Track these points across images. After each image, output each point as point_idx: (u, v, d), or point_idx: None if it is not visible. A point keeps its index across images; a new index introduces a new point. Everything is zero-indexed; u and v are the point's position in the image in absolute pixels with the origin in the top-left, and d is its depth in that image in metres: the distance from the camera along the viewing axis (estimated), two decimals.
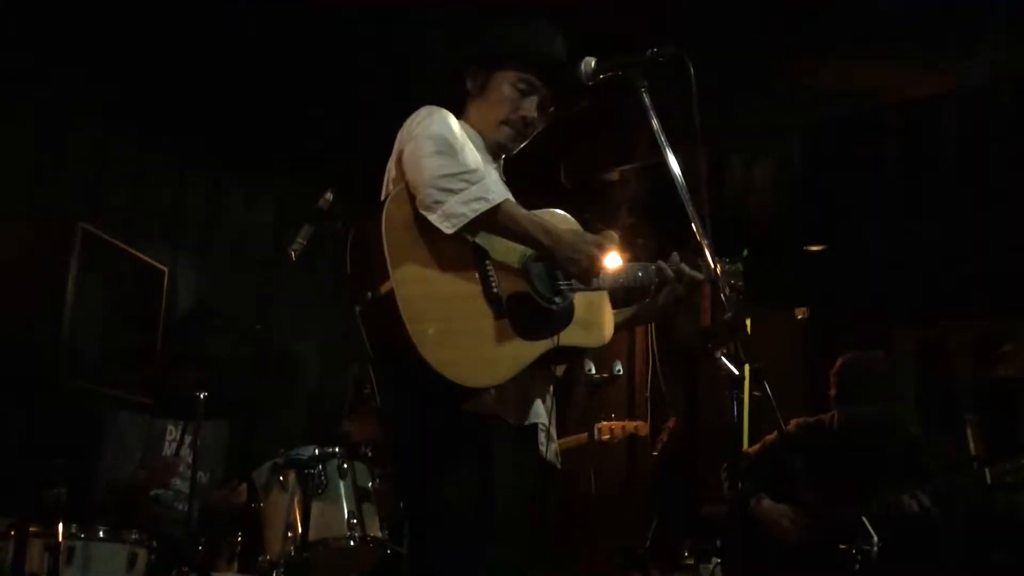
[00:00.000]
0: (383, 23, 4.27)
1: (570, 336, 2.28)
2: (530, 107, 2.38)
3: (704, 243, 2.19)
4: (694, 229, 2.19)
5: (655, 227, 5.50)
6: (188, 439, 3.99)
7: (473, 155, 2.24)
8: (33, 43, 4.29)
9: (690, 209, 2.20)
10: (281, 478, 3.63)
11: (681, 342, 5.43)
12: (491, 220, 2.11)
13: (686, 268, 2.42)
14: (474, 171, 2.12)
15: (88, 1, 4.08)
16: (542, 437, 2.32)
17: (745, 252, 2.61)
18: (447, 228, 2.06)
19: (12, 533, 3.17)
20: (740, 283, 2.56)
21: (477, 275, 2.16)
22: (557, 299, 2.28)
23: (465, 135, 2.32)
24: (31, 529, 3.15)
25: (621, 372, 4.66)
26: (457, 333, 2.08)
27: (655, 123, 2.24)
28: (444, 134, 2.17)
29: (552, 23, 2.45)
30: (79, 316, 2.52)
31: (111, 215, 4.59)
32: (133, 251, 2.84)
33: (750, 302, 2.52)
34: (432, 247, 2.10)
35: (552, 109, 2.44)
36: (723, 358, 3.09)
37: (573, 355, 2.38)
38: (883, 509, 3.49)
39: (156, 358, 2.92)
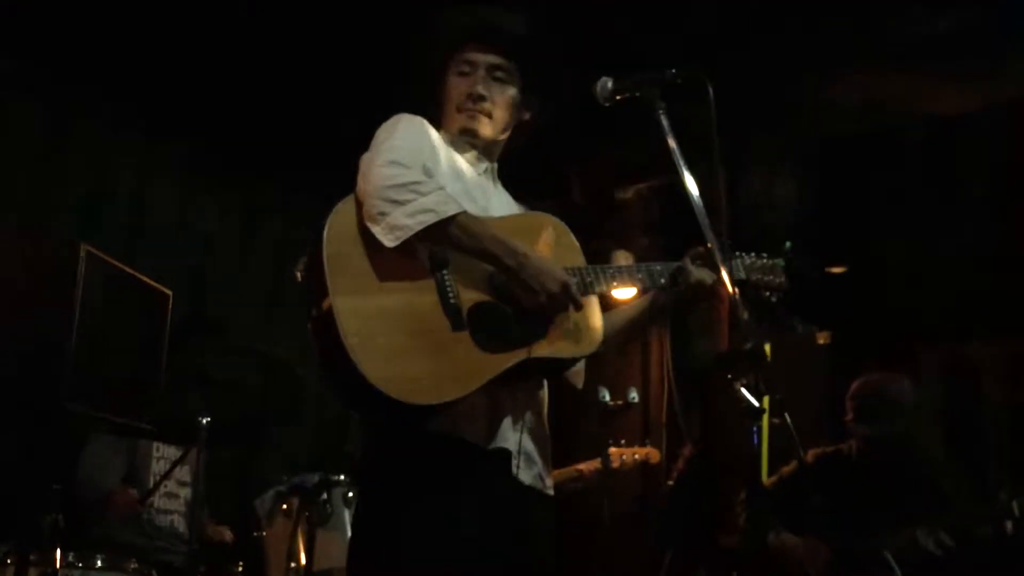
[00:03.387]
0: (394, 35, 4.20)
1: (546, 347, 2.10)
2: (471, 83, 2.27)
3: (721, 263, 2.09)
4: (711, 248, 2.10)
5: (670, 247, 5.40)
6: (186, 464, 3.92)
7: (446, 163, 2.17)
8: (36, 54, 4.25)
9: (706, 228, 2.11)
10: (284, 506, 3.56)
11: (698, 367, 5.32)
12: (440, 234, 2.00)
13: (695, 270, 2.27)
14: (426, 182, 2.01)
15: (93, 14, 4.04)
16: (519, 461, 2.13)
17: (788, 244, 2.45)
18: (389, 241, 1.95)
19: (8, 562, 3.10)
20: (782, 280, 2.40)
21: (434, 286, 2.03)
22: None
23: (441, 142, 2.24)
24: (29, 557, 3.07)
25: (636, 399, 4.56)
26: (404, 349, 1.95)
27: (672, 143, 2.17)
28: (403, 144, 2.08)
29: None
30: (82, 340, 2.45)
31: (111, 231, 4.57)
32: (137, 274, 2.77)
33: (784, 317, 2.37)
34: (381, 259, 1.98)
35: (506, 76, 2.29)
36: (743, 389, 2.98)
37: (554, 367, 2.21)
38: (904, 546, 3.39)
39: (160, 382, 2.84)
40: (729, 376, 2.85)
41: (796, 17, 4.00)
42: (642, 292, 2.38)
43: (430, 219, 1.97)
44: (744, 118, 4.08)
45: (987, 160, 4.70)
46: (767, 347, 3.75)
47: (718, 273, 2.11)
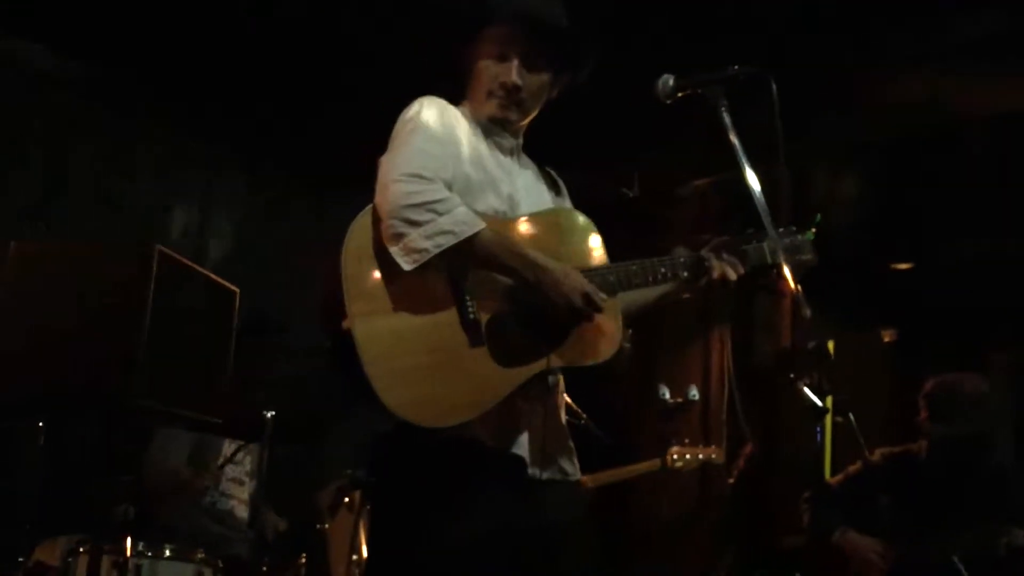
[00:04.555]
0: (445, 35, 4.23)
1: (565, 356, 2.08)
2: (507, 72, 2.19)
3: (783, 260, 2.08)
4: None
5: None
6: (249, 458, 4.00)
7: (468, 147, 2.13)
8: (105, 57, 4.37)
9: (769, 225, 2.09)
10: (346, 499, 3.60)
11: (759, 364, 5.27)
12: (459, 254, 1.96)
13: (718, 263, 2.19)
14: (443, 200, 1.96)
15: (165, 24, 4.13)
16: (536, 459, 2.11)
17: (818, 217, 2.36)
18: (406, 264, 1.93)
19: (81, 550, 3.20)
20: (809, 257, 2.30)
21: (453, 301, 2.00)
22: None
23: (464, 125, 2.18)
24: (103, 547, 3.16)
25: (696, 397, 4.53)
26: (422, 369, 1.94)
27: (734, 140, 2.14)
28: (424, 147, 2.04)
29: None
30: (154, 337, 2.52)
31: (178, 232, 4.69)
32: (206, 272, 2.83)
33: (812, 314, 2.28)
34: (400, 276, 1.95)
35: (542, 63, 2.22)
36: (805, 388, 2.95)
37: (576, 370, 2.17)
38: (973, 549, 3.32)
39: (227, 379, 2.91)
40: (792, 375, 2.81)
41: (861, 14, 3.93)
42: (652, 272, 2.24)
43: (448, 241, 1.94)
44: (809, 115, 4.03)
45: None
46: (830, 345, 3.70)
47: (784, 278, 2.08)
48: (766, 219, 2.10)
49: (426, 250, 1.92)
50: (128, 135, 4.65)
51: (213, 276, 2.87)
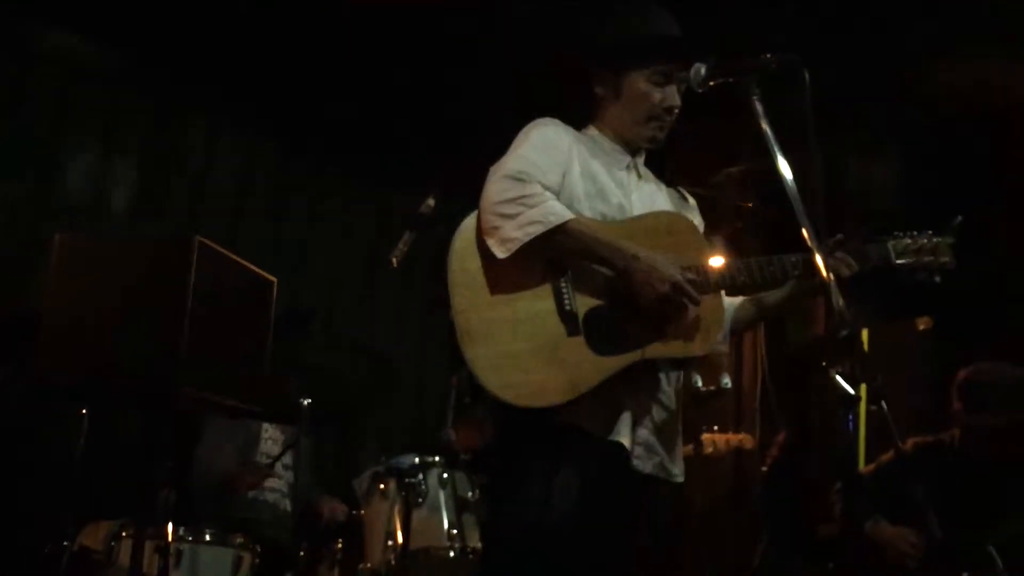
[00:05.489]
0: (484, 25, 4.24)
1: (661, 348, 2.16)
2: (672, 96, 2.33)
3: (816, 249, 2.06)
4: (805, 234, 2.06)
5: (763, 232, 5.31)
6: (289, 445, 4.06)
7: (579, 164, 2.24)
8: (142, 50, 4.43)
9: (800, 213, 2.08)
10: (382, 486, 3.65)
11: (793, 352, 5.24)
12: (550, 242, 2.10)
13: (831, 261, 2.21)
14: (534, 195, 2.10)
15: (202, 12, 4.18)
16: (638, 451, 2.21)
17: (959, 219, 2.35)
18: (500, 253, 2.09)
19: (124, 534, 3.27)
20: (945, 259, 2.31)
21: (551, 293, 2.13)
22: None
23: (577, 143, 2.29)
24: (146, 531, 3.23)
25: (729, 385, 4.51)
26: (521, 355, 2.09)
27: (767, 128, 2.15)
28: (528, 155, 2.17)
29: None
30: (195, 326, 2.58)
31: (213, 221, 4.75)
32: (244, 262, 2.88)
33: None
34: (501, 269, 2.12)
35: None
36: (838, 377, 2.93)
37: (675, 363, 2.26)
38: (1008, 539, 3.30)
39: (266, 367, 2.96)
40: (825, 363, 2.80)
41: None
42: (758, 272, 2.31)
43: (537, 230, 2.07)
44: (848, 101, 3.99)
45: None
46: (864, 334, 3.68)
47: (816, 267, 2.08)
48: (797, 206, 2.10)
49: (517, 239, 2.07)
50: (166, 126, 4.71)
51: (251, 266, 2.91)
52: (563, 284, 2.14)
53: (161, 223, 4.59)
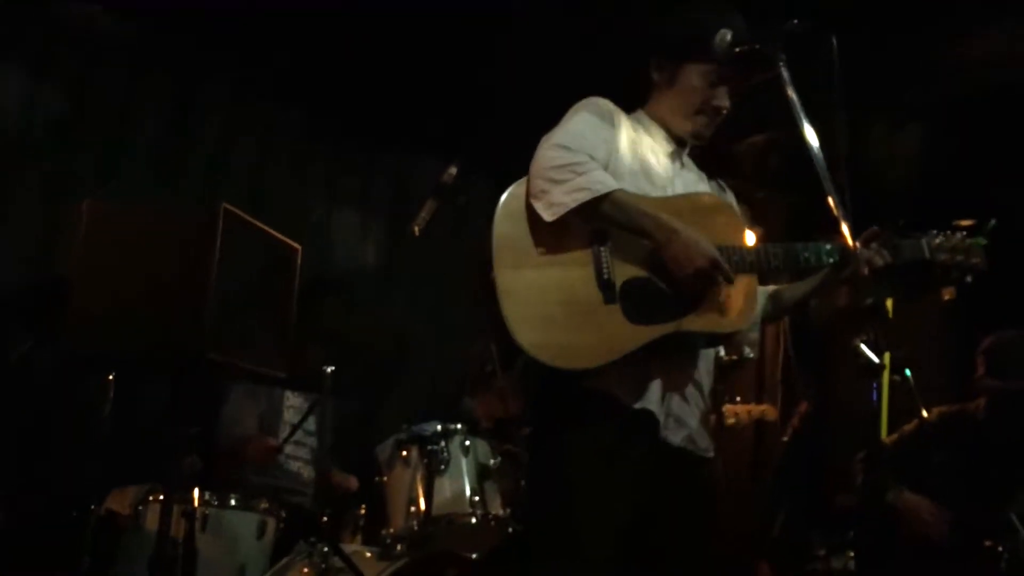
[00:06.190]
0: None
1: (696, 321, 2.19)
2: (723, 97, 2.36)
3: (841, 218, 2.09)
4: (830, 203, 2.08)
5: (788, 201, 5.28)
6: (311, 417, 4.09)
7: (627, 141, 2.29)
8: (162, 19, 4.43)
9: (827, 183, 2.10)
10: (404, 453, 3.66)
11: (815, 323, 5.22)
12: (595, 210, 2.15)
13: (865, 250, 2.23)
14: (585, 163, 2.15)
15: None
16: (667, 422, 2.24)
17: (992, 223, 2.37)
18: (548, 216, 2.13)
19: (151, 499, 3.32)
20: (979, 260, 2.31)
21: (590, 261, 2.18)
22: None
23: (626, 122, 2.34)
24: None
25: (751, 355, 4.49)
26: (557, 318, 2.14)
27: (792, 95, 2.14)
28: (577, 129, 2.23)
29: None
30: (221, 294, 2.60)
31: (233, 191, 4.77)
32: (269, 230, 2.90)
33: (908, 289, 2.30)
34: (544, 235, 2.17)
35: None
36: (862, 346, 2.93)
37: (709, 339, 2.30)
38: None
39: (290, 334, 2.98)
40: (849, 332, 2.79)
41: None
42: (792, 257, 2.30)
43: (585, 196, 2.12)
44: (871, 71, 3.93)
45: None
46: (888, 304, 3.66)
47: (843, 236, 2.09)
48: (823, 175, 2.10)
49: (564, 203, 2.12)
50: (191, 98, 4.72)
51: (276, 234, 2.93)
52: (603, 253, 2.19)
53: (182, 193, 4.61)
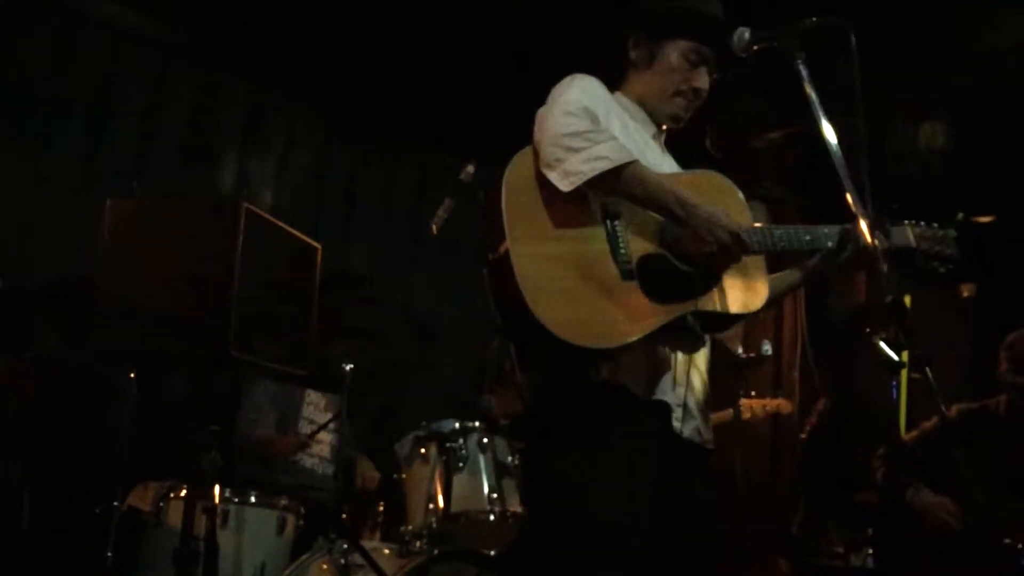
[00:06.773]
0: None
1: (713, 301, 2.15)
2: (701, 78, 2.31)
3: (860, 214, 2.06)
4: (849, 199, 2.06)
5: (806, 197, 5.27)
6: (329, 414, 4.11)
7: (619, 121, 2.22)
8: (185, 17, 4.46)
9: (845, 178, 2.08)
10: (423, 450, 3.67)
11: (834, 319, 5.20)
12: (613, 181, 2.04)
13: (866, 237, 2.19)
14: (601, 131, 2.05)
15: None
16: (679, 413, 2.21)
17: (960, 216, 2.41)
18: (564, 186, 2.01)
19: (172, 495, 3.35)
20: (953, 251, 2.35)
21: (604, 236, 2.08)
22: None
23: (613, 103, 2.28)
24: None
25: (769, 352, 4.50)
26: (574, 293, 2.01)
27: (811, 91, 2.13)
28: (579, 98, 2.12)
29: None
30: (244, 293, 2.61)
31: (255, 188, 4.79)
32: (289, 229, 2.92)
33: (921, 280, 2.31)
34: (556, 207, 2.05)
35: (715, 69, 2.35)
36: (881, 343, 2.91)
37: (718, 323, 2.23)
38: None
39: (312, 333, 3.00)
40: (867, 330, 2.79)
41: None
42: (798, 239, 2.30)
43: (604, 166, 2.00)
44: (892, 66, 3.91)
45: None
46: (907, 300, 3.64)
47: (861, 233, 2.07)
48: (842, 171, 2.09)
49: (582, 172, 1.99)
50: (213, 95, 4.75)
51: (296, 233, 2.94)
52: (617, 227, 2.09)
53: (205, 189, 4.63)
